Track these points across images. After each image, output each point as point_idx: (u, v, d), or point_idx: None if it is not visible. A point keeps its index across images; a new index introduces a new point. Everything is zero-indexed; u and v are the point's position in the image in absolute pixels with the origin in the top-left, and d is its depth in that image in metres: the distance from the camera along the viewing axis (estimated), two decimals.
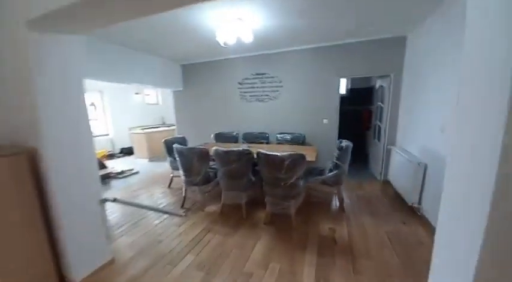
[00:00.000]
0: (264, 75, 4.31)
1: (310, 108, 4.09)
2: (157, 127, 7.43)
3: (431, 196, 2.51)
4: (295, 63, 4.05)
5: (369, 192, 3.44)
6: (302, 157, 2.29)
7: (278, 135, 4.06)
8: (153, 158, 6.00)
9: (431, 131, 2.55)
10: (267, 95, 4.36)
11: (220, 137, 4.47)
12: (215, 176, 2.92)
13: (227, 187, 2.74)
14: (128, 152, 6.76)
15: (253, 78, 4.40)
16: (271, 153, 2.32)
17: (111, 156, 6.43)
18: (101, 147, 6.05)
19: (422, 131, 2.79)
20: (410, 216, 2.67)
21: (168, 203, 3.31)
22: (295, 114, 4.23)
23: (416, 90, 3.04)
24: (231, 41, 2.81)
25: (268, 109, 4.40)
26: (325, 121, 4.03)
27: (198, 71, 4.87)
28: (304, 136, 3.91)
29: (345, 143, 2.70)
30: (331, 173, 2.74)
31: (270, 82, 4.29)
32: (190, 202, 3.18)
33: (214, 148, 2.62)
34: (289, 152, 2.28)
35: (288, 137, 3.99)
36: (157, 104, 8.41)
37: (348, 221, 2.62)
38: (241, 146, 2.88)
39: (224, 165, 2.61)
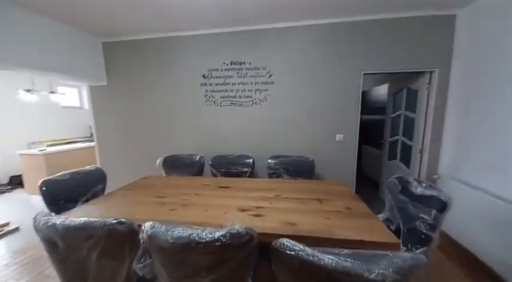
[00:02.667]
0: (243, 65, 2.77)
1: (317, 117, 2.70)
2: (79, 142, 5.12)
3: None
4: (293, 48, 2.64)
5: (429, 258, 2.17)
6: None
7: (270, 161, 2.54)
8: None
9: None
10: (248, 97, 2.82)
11: (172, 164, 2.70)
12: None
13: None
14: (20, 182, 4.28)
15: (227, 70, 2.82)
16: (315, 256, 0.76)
17: None
18: None
19: None
20: None
21: None
22: (294, 126, 2.77)
23: (492, 94, 1.93)
24: None
25: (252, 118, 2.85)
26: (338, 137, 2.69)
27: (133, 53, 3.01)
28: (313, 162, 2.47)
29: (433, 191, 1.33)
30: (417, 251, 1.32)
31: (253, 76, 2.77)
32: None
33: (148, 224, 0.95)
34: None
35: (287, 163, 2.50)
36: (80, 107, 5.99)
37: None
38: (227, 227, 1.26)
39: (177, 268, 0.94)
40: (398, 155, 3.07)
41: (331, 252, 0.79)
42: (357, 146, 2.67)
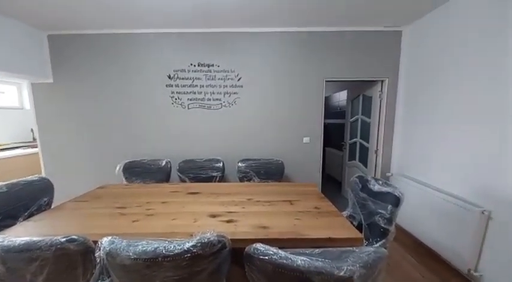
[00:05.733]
0: (211, 68, 2.72)
1: (286, 120, 2.79)
2: (19, 147, 4.39)
3: (497, 259, 1.61)
4: (262, 53, 2.69)
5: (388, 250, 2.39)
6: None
7: (240, 165, 2.52)
8: None
9: (493, 161, 1.70)
10: (217, 99, 2.77)
11: (134, 171, 2.49)
12: None
13: None
14: None
15: (195, 72, 2.73)
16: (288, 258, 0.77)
17: None
18: None
19: (463, 158, 1.94)
20: None
21: None
22: (265, 130, 2.81)
23: (432, 99, 2.25)
24: None
25: (221, 121, 2.80)
26: (305, 140, 2.81)
27: (85, 49, 2.71)
28: (283, 164, 2.54)
29: (389, 187, 1.48)
30: (375, 245, 1.44)
31: (221, 79, 2.73)
32: None
33: (106, 240, 0.85)
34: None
35: (257, 166, 2.52)
36: (20, 108, 5.16)
37: None
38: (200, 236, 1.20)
39: None
40: (357, 156, 3.35)
41: (303, 253, 0.81)
42: (322, 148, 2.83)
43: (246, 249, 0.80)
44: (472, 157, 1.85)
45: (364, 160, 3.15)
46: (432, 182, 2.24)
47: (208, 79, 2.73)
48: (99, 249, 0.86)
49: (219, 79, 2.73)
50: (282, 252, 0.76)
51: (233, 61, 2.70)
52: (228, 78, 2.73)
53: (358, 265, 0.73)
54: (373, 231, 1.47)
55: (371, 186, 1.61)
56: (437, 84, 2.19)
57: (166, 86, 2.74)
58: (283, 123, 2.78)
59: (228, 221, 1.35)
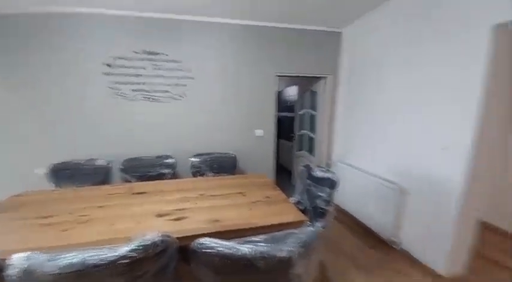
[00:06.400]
0: (158, 56, 2.51)
1: (238, 114, 2.79)
2: None
3: (410, 226, 2.01)
4: (214, 45, 2.61)
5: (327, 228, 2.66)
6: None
7: (193, 160, 2.44)
8: None
9: (407, 146, 2.06)
10: (166, 91, 2.58)
11: (65, 174, 2.15)
12: None
13: None
14: None
15: (139, 60, 2.47)
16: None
17: None
18: None
19: (388, 145, 2.29)
20: (386, 250, 2.07)
21: None
22: (216, 123, 2.76)
23: (365, 96, 2.58)
24: None
25: (171, 114, 2.63)
26: (258, 133, 2.89)
27: (5, 30, 2.18)
28: (236, 157, 2.56)
29: (328, 173, 1.65)
30: (317, 226, 1.59)
31: (170, 69, 2.55)
32: None
33: (20, 256, 0.71)
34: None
35: (211, 160, 2.48)
36: None
37: None
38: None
39: None
40: (305, 146, 3.62)
41: (249, 241, 0.85)
42: (275, 140, 2.96)
43: (190, 245, 0.79)
44: (394, 144, 2.20)
45: (311, 150, 3.43)
46: (366, 167, 2.59)
47: (155, 69, 2.52)
48: (12, 268, 0.73)
49: (167, 69, 2.54)
50: (227, 243, 0.78)
51: (183, 51, 2.54)
52: (178, 69, 2.56)
53: (297, 244, 0.81)
54: (315, 212, 1.63)
55: (315, 173, 1.77)
56: (369, 82, 2.51)
57: (104, 74, 2.42)
58: (236, 116, 2.79)
59: (177, 219, 1.30)
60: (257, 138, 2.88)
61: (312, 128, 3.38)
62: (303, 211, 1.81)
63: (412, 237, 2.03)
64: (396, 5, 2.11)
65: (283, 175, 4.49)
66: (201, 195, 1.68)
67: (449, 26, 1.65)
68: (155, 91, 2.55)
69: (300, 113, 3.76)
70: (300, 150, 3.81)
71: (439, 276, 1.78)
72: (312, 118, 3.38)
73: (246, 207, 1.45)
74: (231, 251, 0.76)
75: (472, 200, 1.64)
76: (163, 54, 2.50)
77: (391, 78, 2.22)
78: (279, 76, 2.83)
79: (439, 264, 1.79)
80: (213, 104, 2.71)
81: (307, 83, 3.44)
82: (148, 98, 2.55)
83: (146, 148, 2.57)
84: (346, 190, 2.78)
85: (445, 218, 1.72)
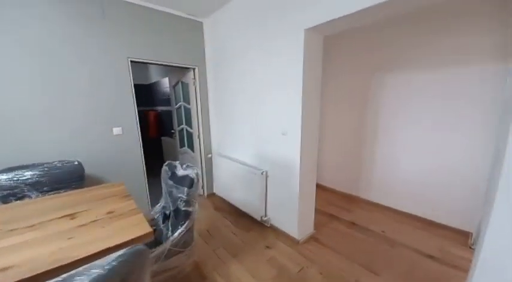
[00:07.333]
0: None
1: (84, 109, 2.12)
2: None
3: (274, 204, 2.31)
4: (36, 17, 1.78)
5: (207, 218, 2.60)
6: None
7: (1, 177, 1.61)
8: None
9: (264, 134, 2.30)
10: None
11: None
12: None
13: None
14: None
15: None
16: None
17: None
18: None
19: (250, 135, 2.49)
20: (260, 230, 2.31)
21: None
22: (47, 120, 1.96)
23: (229, 88, 2.67)
24: None
25: None
26: (116, 131, 2.34)
27: None
28: (81, 165, 1.93)
29: (189, 170, 1.52)
30: (179, 231, 1.43)
31: None
32: None
33: None
34: None
35: (35, 175, 1.73)
36: None
37: None
38: None
39: None
40: (186, 142, 3.41)
41: None
42: (140, 137, 2.52)
43: None
44: (254, 134, 2.42)
45: (191, 145, 3.26)
46: (238, 156, 2.73)
47: None
48: None
49: None
50: None
51: None
52: None
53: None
54: (178, 216, 1.47)
55: (177, 172, 1.60)
56: (230, 75, 2.61)
57: None
58: (80, 112, 2.11)
59: None
60: (116, 138, 2.34)
61: (189, 122, 3.19)
62: (168, 216, 1.62)
63: (276, 213, 2.33)
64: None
65: None
66: None
67: (280, 27, 1.92)
68: None
69: (176, 106, 3.46)
70: (183, 146, 3.55)
71: (297, 241, 2.13)
72: (188, 112, 3.18)
73: (66, 235, 1.06)
74: None
75: (307, 171, 2.06)
76: None
77: (246, 72, 2.38)
78: (134, 62, 2.39)
79: (294, 231, 2.15)
80: (41, 97, 1.90)
81: (177, 74, 3.18)
82: None
83: None
84: (224, 180, 2.85)
85: (292, 190, 2.07)
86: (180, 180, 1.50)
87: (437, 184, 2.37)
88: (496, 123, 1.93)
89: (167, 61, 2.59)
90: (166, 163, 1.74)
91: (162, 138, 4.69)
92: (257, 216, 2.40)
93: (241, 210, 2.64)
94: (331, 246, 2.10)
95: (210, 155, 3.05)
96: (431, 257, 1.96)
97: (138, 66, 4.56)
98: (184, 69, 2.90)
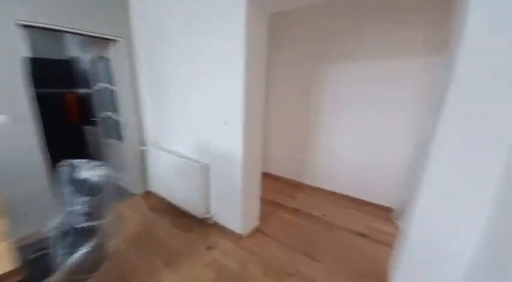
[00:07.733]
0: None
1: None
2: None
3: (217, 199, 2.13)
4: None
5: (140, 222, 2.24)
6: None
7: None
8: None
9: (205, 123, 2.03)
10: None
11: None
12: None
13: None
14: None
15: None
16: None
17: None
18: None
19: (188, 125, 2.18)
20: (202, 229, 2.12)
21: None
22: None
23: (164, 71, 2.26)
24: None
25: None
26: (1, 119, 1.71)
27: None
28: None
29: (97, 171, 1.16)
30: (80, 252, 1.09)
31: None
32: None
33: None
34: None
35: None
36: None
37: None
38: None
39: None
40: (112, 132, 2.85)
41: None
42: (41, 127, 1.92)
43: None
44: (192, 124, 2.13)
45: (120, 137, 2.73)
46: (176, 148, 2.40)
47: None
48: None
49: None
50: None
51: None
52: None
53: None
54: (79, 233, 1.13)
55: (79, 175, 1.21)
56: (166, 57, 2.19)
57: None
58: None
59: None
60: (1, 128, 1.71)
61: (115, 108, 2.64)
62: (66, 234, 1.24)
63: (218, 209, 2.15)
64: None
65: None
66: None
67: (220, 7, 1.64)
68: None
69: (96, 88, 2.81)
70: (109, 137, 2.96)
71: (241, 236, 2.02)
72: (113, 95, 2.62)
73: None
74: None
75: (251, 162, 1.91)
76: None
77: (184, 53, 2.03)
78: (27, 26, 1.74)
79: (238, 225, 2.02)
80: None
81: (96, 47, 2.54)
82: None
83: None
84: (161, 176, 2.50)
85: (235, 183, 1.90)
86: (80, 186, 1.14)
87: (368, 166, 2.59)
88: (424, 115, 2.12)
89: (83, 29, 1.99)
90: (65, 162, 1.31)
91: (85, 127, 3.87)
92: (199, 214, 2.18)
93: (181, 209, 2.36)
94: (274, 236, 2.07)
95: (143, 148, 2.61)
96: (362, 235, 2.13)
97: (44, 35, 3.55)
98: (105, 41, 2.31)
